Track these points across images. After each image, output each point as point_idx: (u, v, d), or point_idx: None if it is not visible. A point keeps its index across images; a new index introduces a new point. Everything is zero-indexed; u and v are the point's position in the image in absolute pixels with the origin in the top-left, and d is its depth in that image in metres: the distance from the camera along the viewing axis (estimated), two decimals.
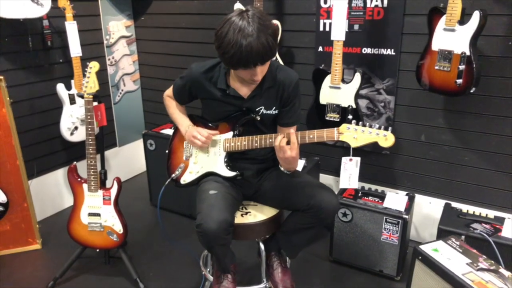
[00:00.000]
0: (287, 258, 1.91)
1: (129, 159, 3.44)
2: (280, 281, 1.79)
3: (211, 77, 1.71)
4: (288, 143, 1.55)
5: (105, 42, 3.10)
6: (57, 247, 2.53)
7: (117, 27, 3.17)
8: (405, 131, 2.47)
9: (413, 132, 2.45)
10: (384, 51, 2.38)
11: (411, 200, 2.28)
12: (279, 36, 2.50)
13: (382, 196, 2.30)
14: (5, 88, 2.27)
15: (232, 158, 1.76)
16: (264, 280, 1.84)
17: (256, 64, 1.48)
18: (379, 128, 1.45)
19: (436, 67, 2.02)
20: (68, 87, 2.65)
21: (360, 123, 1.48)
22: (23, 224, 2.51)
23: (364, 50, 2.43)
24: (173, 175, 1.81)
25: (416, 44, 2.25)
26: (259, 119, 1.71)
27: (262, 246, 1.81)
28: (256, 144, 1.64)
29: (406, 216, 2.13)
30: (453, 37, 1.93)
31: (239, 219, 1.73)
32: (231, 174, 1.71)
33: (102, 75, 3.11)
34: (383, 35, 2.35)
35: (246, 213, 1.76)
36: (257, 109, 1.71)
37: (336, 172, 2.79)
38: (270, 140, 1.61)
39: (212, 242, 1.52)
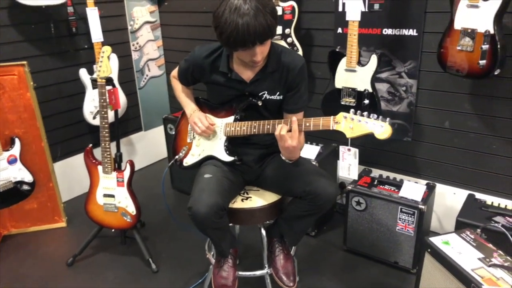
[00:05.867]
0: (292, 246, 1.88)
1: (154, 143, 3.52)
2: (281, 267, 1.76)
3: (213, 60, 1.68)
4: (290, 130, 1.50)
5: (129, 27, 3.16)
6: (81, 226, 2.65)
7: (141, 12, 3.21)
8: (428, 117, 2.33)
9: (437, 118, 2.30)
10: (406, 32, 2.24)
11: (430, 190, 2.16)
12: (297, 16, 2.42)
13: (399, 185, 2.19)
14: (29, 73, 2.37)
15: (234, 143, 1.74)
16: (266, 266, 1.83)
17: (255, 44, 1.44)
18: (377, 118, 1.37)
19: (458, 48, 1.88)
20: (91, 72, 2.73)
21: (358, 112, 1.40)
22: (49, 203, 2.65)
23: (385, 31, 2.30)
24: (177, 156, 1.83)
25: (441, 24, 2.08)
26: (260, 104, 1.67)
27: (263, 232, 1.79)
28: (254, 130, 1.61)
29: (423, 207, 2.02)
30: (476, 14, 1.78)
31: (239, 203, 1.71)
32: (229, 158, 1.69)
33: (126, 60, 3.18)
34: (405, 15, 2.22)
35: (247, 198, 1.74)
36: (260, 94, 1.67)
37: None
38: (268, 127, 1.57)
39: (203, 225, 1.52)
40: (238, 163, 1.70)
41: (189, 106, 1.82)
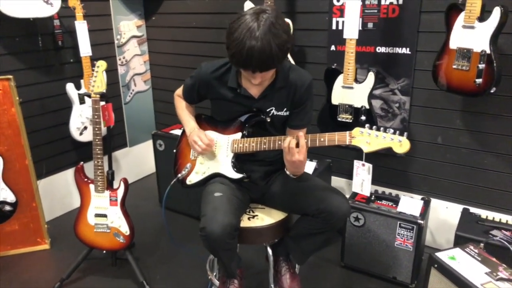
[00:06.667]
0: (299, 264, 1.85)
1: (139, 159, 3.42)
2: (288, 287, 1.72)
3: (221, 76, 1.66)
4: (297, 145, 1.49)
5: (116, 42, 3.09)
6: (66, 248, 2.52)
7: (128, 27, 3.15)
8: (421, 133, 2.38)
9: (430, 134, 2.36)
10: (399, 50, 2.30)
11: (426, 204, 2.19)
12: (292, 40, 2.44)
13: (396, 200, 2.21)
14: (14, 87, 2.26)
15: (240, 160, 1.71)
16: (272, 286, 1.78)
17: (255, 71, 1.43)
18: (394, 132, 1.38)
19: (454, 66, 1.94)
20: (78, 87, 2.63)
21: (374, 127, 1.41)
22: (31, 224, 2.50)
23: (379, 49, 2.35)
24: (179, 175, 1.77)
25: (433, 43, 2.16)
26: (269, 120, 1.66)
27: (270, 250, 1.76)
28: (264, 146, 1.59)
29: (421, 222, 2.04)
30: (472, 35, 1.85)
31: (246, 222, 1.67)
32: (237, 176, 1.66)
33: (112, 75, 3.10)
34: (398, 34, 2.27)
35: (254, 217, 1.71)
36: (267, 110, 1.66)
37: (349, 175, 2.70)
38: (279, 142, 1.55)
39: (216, 246, 1.47)
40: (246, 180, 1.67)
41: (189, 124, 1.78)
